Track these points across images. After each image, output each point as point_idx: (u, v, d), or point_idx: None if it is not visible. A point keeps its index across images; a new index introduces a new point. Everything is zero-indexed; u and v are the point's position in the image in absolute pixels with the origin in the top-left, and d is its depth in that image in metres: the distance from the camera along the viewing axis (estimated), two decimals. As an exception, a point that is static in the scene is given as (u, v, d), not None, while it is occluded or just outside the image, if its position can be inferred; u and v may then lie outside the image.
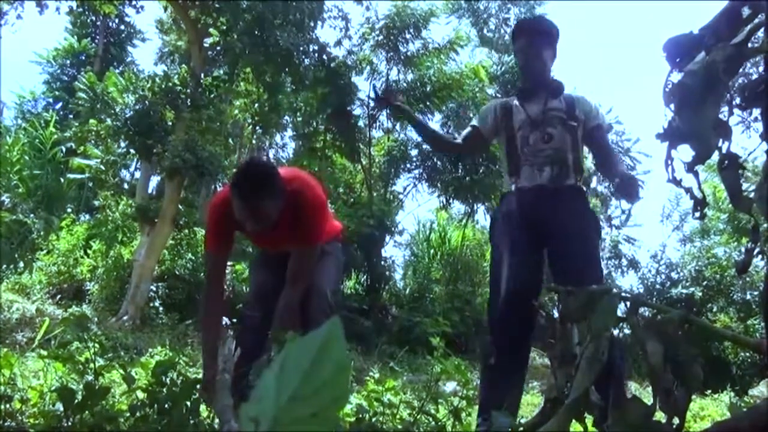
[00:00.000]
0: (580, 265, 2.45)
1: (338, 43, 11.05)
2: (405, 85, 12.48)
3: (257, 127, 12.74)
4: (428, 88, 12.27)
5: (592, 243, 2.62)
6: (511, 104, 2.84)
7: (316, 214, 2.51)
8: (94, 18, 16.60)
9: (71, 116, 12.93)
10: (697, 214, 1.05)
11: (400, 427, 2.20)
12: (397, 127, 13.21)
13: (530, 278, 2.56)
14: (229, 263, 8.32)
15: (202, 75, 9.08)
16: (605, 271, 16.24)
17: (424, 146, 12.82)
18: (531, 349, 2.73)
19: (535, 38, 2.77)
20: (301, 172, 2.75)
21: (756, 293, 11.85)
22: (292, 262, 2.48)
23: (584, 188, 2.77)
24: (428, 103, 12.48)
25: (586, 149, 2.89)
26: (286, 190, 2.33)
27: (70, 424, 1.62)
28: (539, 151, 2.67)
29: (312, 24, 9.97)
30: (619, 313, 1.03)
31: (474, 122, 2.98)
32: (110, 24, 16.82)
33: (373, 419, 2.31)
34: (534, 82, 2.79)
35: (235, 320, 2.67)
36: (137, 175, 11.98)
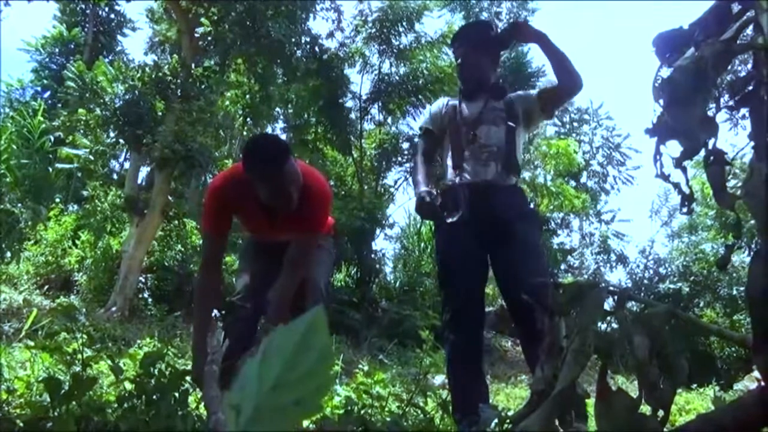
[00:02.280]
0: (529, 261, 2.50)
1: (330, 35, 11.03)
2: (397, 78, 12.46)
3: (248, 119, 12.67)
4: (420, 82, 12.27)
5: (534, 239, 2.66)
6: (455, 102, 2.92)
7: (322, 206, 2.52)
8: (83, 6, 16.41)
9: (60, 105, 12.79)
10: (685, 209, 1.06)
11: (389, 419, 2.21)
12: (389, 120, 13.20)
13: (476, 277, 2.64)
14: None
15: (193, 65, 9.01)
16: (593, 266, 16.38)
17: (416, 140, 12.84)
18: (485, 340, 2.82)
19: (470, 48, 2.85)
20: (308, 165, 2.75)
21: (742, 289, 11.97)
22: (292, 252, 2.47)
23: (518, 185, 2.83)
24: (420, 97, 12.47)
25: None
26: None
27: (57, 414, 1.61)
28: (483, 147, 2.72)
29: (304, 16, 9.92)
30: (607, 307, 1.04)
31: (424, 125, 3.00)
32: (100, 12, 16.63)
33: (362, 412, 2.32)
34: (473, 87, 2.87)
35: (224, 311, 2.65)
36: (126, 165, 11.88)
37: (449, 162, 2.83)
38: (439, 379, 3.79)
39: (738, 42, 0.96)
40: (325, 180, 2.62)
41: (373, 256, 11.48)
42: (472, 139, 2.76)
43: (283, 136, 13.59)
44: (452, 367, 2.59)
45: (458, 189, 2.75)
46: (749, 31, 0.97)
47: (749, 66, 0.98)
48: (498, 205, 2.63)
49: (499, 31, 2.84)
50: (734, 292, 12.53)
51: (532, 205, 2.83)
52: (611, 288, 1.04)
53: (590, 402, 1.18)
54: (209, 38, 9.30)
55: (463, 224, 2.65)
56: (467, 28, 3.12)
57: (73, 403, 1.64)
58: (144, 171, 10.70)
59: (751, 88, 0.94)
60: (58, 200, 12.20)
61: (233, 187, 2.35)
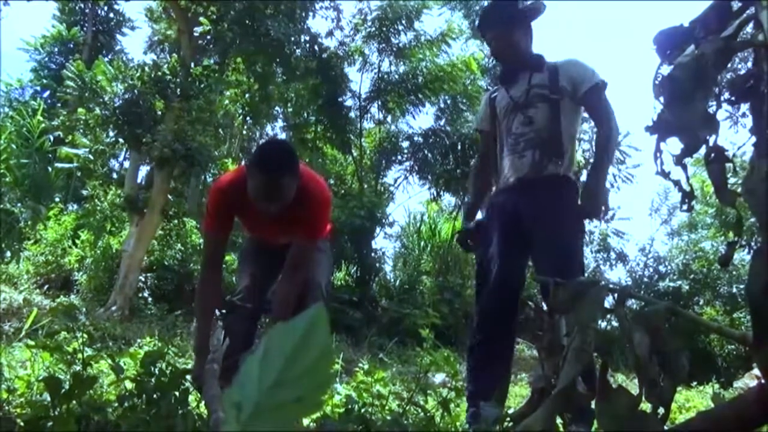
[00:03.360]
0: (559, 263, 2.35)
1: (330, 33, 11.01)
2: (397, 77, 12.45)
3: (248, 118, 12.66)
4: (420, 80, 12.25)
5: (570, 239, 2.48)
6: (495, 93, 2.78)
7: (323, 210, 2.54)
8: (82, 5, 16.41)
9: (59, 105, 12.79)
10: (685, 207, 1.06)
11: (389, 418, 2.21)
12: (389, 119, 13.19)
13: (514, 272, 2.55)
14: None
15: (192, 64, 9.00)
16: (593, 264, 16.41)
17: (415, 138, 12.83)
18: (516, 340, 2.75)
19: (499, 27, 2.66)
20: (310, 169, 2.76)
21: (742, 286, 11.97)
22: (293, 254, 2.48)
23: (569, 175, 2.58)
24: (420, 95, 12.46)
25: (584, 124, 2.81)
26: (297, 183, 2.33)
27: (57, 413, 1.61)
28: (521, 135, 2.57)
29: (303, 14, 9.91)
30: (607, 305, 1.04)
31: (476, 126, 2.95)
32: (99, 12, 16.62)
33: (363, 410, 2.32)
34: (512, 66, 2.70)
35: (224, 310, 2.66)
36: (126, 164, 11.87)
37: (500, 162, 2.70)
38: (440, 377, 3.79)
39: (738, 39, 0.96)
40: (326, 185, 2.63)
41: (373, 254, 11.48)
42: (510, 125, 2.61)
43: (283, 135, 13.61)
44: (477, 360, 2.55)
45: (497, 195, 2.68)
46: (750, 28, 0.96)
47: (749, 63, 0.98)
48: (530, 203, 2.50)
49: (524, 4, 2.68)
50: (734, 289, 12.53)
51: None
52: (611, 286, 1.04)
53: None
54: (208, 37, 9.30)
55: (502, 225, 2.57)
56: (490, 8, 2.87)
57: (74, 402, 1.64)
58: (144, 170, 10.71)
59: (751, 85, 0.94)
60: (57, 200, 12.20)
61: (236, 189, 2.36)
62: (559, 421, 1.02)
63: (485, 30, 2.76)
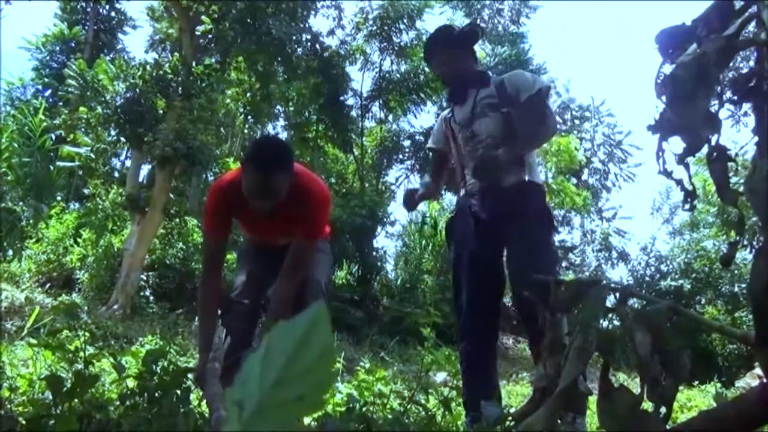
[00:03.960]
0: (529, 262, 2.39)
1: (331, 32, 11.03)
2: (398, 75, 12.45)
3: (249, 117, 12.67)
4: (421, 79, 12.26)
5: (537, 242, 2.51)
6: (449, 113, 2.91)
7: (322, 209, 2.53)
8: (84, 4, 16.41)
9: (61, 103, 12.80)
10: (687, 206, 1.06)
11: (390, 416, 2.21)
12: (390, 118, 13.19)
13: (486, 283, 2.62)
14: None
15: (194, 63, 9.00)
16: (595, 263, 16.36)
17: (417, 137, 12.83)
18: (498, 339, 2.80)
19: (442, 52, 2.80)
20: (307, 168, 2.75)
21: (744, 286, 11.96)
22: (291, 255, 2.47)
23: (534, 180, 2.65)
24: (421, 94, 12.46)
25: None
26: (295, 181, 2.33)
27: (59, 412, 1.61)
28: (477, 144, 2.69)
29: (305, 13, 9.91)
30: (609, 305, 1.03)
31: (429, 144, 3.07)
32: (101, 10, 16.62)
33: (364, 409, 2.32)
34: (458, 86, 2.84)
35: (225, 309, 2.66)
36: (128, 163, 11.89)
37: (458, 176, 2.84)
38: (441, 376, 3.80)
39: (740, 38, 0.96)
40: (325, 185, 2.63)
41: (374, 253, 11.48)
42: (465, 140, 2.74)
43: (284, 134, 13.61)
44: (468, 370, 2.60)
45: (461, 201, 2.76)
46: (752, 27, 0.96)
47: (752, 62, 0.98)
48: (495, 207, 2.59)
49: (461, 29, 2.81)
50: (736, 289, 12.52)
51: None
52: (613, 285, 1.04)
53: (592, 399, 1.18)
54: (210, 36, 9.29)
55: (470, 233, 2.65)
56: (430, 38, 2.99)
57: (76, 400, 1.65)
58: (145, 169, 10.72)
59: (753, 84, 0.93)
60: (59, 198, 12.21)
61: (234, 190, 2.35)
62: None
63: (430, 57, 2.91)
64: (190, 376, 1.98)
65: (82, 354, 1.88)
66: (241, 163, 2.33)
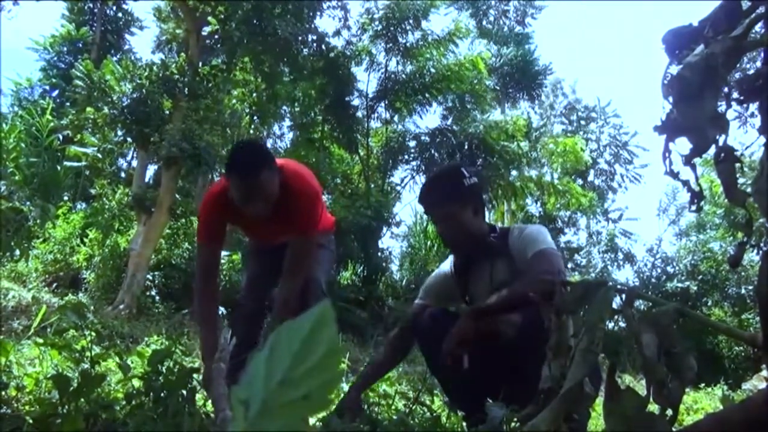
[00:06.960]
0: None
1: (337, 33, 11.02)
2: (404, 76, 12.45)
3: (255, 117, 12.70)
4: (427, 79, 12.26)
5: None
6: (449, 282, 2.43)
7: (309, 203, 2.48)
8: (91, 5, 16.48)
9: (68, 104, 12.84)
10: (694, 207, 1.05)
11: (395, 417, 2.21)
12: (395, 118, 13.19)
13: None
14: (225, 253, 8.34)
15: (200, 64, 9.03)
16: (601, 264, 16.24)
17: (422, 138, 12.83)
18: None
19: (441, 209, 2.29)
20: (294, 162, 2.74)
21: (751, 288, 11.91)
22: (289, 255, 2.46)
23: None
24: (427, 95, 12.46)
25: None
26: (280, 179, 2.32)
27: (65, 411, 1.62)
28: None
29: (311, 14, 9.92)
30: (615, 306, 1.03)
31: (421, 297, 2.51)
32: (108, 11, 16.69)
33: (369, 409, 2.32)
34: (467, 252, 2.36)
35: (230, 310, 2.67)
36: (134, 163, 11.95)
37: None
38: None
39: (748, 39, 0.95)
40: (311, 177, 2.56)
41: (379, 254, 11.49)
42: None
43: (290, 135, 13.64)
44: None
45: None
46: (759, 27, 0.96)
47: (759, 63, 0.98)
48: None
49: (470, 177, 2.26)
50: (743, 291, 12.47)
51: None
52: (619, 286, 1.04)
53: (598, 401, 1.18)
54: (216, 37, 9.33)
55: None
56: (431, 182, 2.42)
57: (82, 400, 1.65)
58: (151, 169, 10.79)
59: (760, 84, 0.93)
60: (66, 198, 12.27)
61: (226, 198, 2.34)
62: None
63: (427, 211, 2.48)
64: (195, 376, 1.99)
65: (88, 353, 1.89)
66: (223, 175, 2.32)
